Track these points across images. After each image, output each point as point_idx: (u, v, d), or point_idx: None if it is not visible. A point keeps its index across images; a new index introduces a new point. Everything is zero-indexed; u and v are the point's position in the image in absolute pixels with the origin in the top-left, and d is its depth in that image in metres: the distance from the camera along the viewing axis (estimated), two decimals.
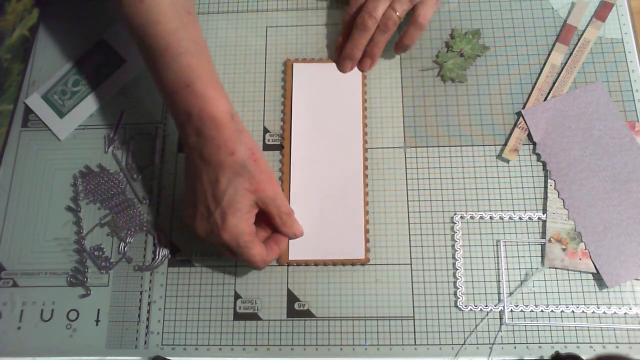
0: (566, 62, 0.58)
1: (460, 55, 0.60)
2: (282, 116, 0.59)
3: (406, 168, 0.57)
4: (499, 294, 0.52)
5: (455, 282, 0.53)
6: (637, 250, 0.51)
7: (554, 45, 0.59)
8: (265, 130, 0.59)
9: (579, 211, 0.53)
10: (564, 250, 0.52)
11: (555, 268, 0.52)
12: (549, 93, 0.57)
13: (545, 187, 0.55)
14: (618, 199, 0.52)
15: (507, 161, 0.56)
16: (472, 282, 0.52)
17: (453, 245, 0.54)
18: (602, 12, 0.60)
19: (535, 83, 0.58)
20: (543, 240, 0.53)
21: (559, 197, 0.53)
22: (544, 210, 0.54)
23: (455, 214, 0.55)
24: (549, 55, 0.59)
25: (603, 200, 0.52)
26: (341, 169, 0.56)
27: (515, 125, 0.57)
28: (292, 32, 0.63)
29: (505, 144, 0.56)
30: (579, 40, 0.59)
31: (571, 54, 0.59)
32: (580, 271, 0.52)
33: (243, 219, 0.47)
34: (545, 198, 0.54)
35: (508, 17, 0.61)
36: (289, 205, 0.50)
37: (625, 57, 0.59)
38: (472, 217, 0.54)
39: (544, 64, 0.59)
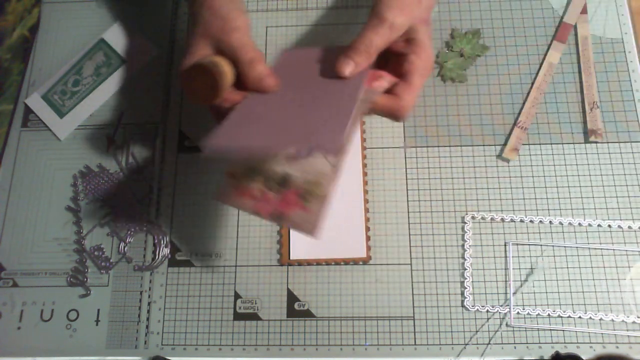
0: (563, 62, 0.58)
1: (460, 55, 0.60)
2: None
3: (406, 168, 0.57)
4: (498, 294, 0.52)
5: (455, 282, 0.53)
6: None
7: (551, 43, 0.59)
8: None
9: None
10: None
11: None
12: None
13: None
14: None
15: (508, 161, 0.56)
16: (472, 282, 0.52)
17: (454, 245, 0.54)
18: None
19: (534, 82, 0.58)
20: (550, 243, 0.53)
21: None
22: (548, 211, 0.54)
23: (462, 214, 0.55)
24: (546, 54, 0.59)
25: None
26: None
27: (514, 124, 0.57)
28: (292, 32, 0.63)
29: (505, 144, 0.56)
30: (577, 40, 0.59)
31: (578, 55, 0.59)
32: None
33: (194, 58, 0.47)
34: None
35: (508, 17, 0.61)
36: (252, 53, 0.47)
37: (626, 57, 0.59)
38: (473, 217, 0.54)
39: (542, 62, 0.59)
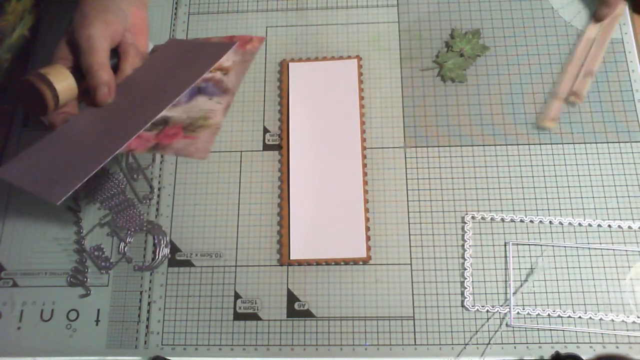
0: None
1: (460, 55, 0.60)
2: (280, 116, 0.59)
3: (406, 168, 0.57)
4: (498, 294, 0.52)
5: (455, 282, 0.53)
6: None
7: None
8: (265, 130, 0.59)
9: None
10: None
11: None
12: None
13: None
14: None
15: (546, 129, 0.56)
16: (472, 282, 0.52)
17: (454, 245, 0.54)
18: None
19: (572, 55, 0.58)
20: (550, 243, 0.53)
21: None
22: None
23: (462, 214, 0.55)
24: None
25: None
26: (340, 169, 0.56)
27: (554, 94, 0.57)
28: (292, 32, 0.63)
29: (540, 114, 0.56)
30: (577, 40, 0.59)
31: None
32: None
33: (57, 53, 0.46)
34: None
35: (508, 17, 0.61)
36: (93, 58, 0.44)
37: (625, 57, 0.59)
38: (473, 217, 0.54)
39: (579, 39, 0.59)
